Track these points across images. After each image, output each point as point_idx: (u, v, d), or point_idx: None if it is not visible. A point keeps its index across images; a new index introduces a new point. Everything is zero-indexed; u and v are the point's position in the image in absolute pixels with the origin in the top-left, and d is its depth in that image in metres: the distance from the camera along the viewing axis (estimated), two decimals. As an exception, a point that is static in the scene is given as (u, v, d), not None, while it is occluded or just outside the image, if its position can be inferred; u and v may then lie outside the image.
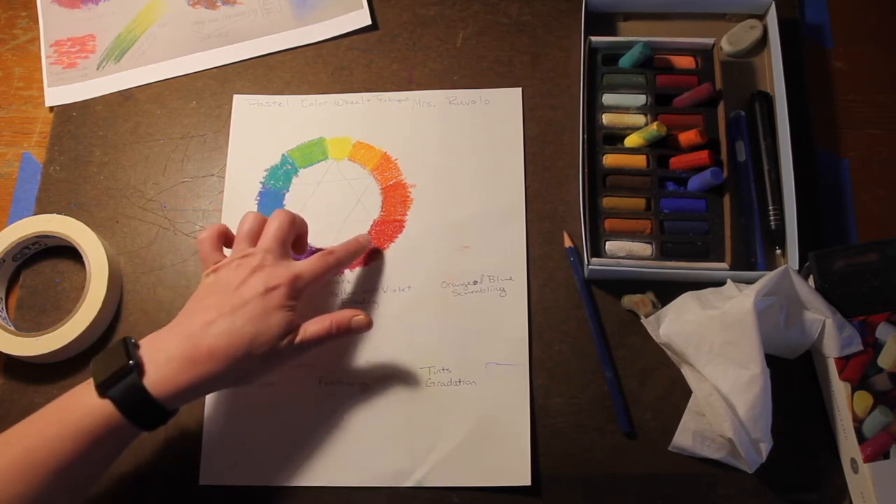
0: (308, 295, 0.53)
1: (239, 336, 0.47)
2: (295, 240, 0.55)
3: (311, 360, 0.58)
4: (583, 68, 0.62)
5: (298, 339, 0.50)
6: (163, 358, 0.46)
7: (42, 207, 0.63)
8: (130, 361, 0.46)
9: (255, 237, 0.53)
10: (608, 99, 0.62)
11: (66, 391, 0.47)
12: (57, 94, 0.67)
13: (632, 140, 0.60)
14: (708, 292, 0.56)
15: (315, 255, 0.54)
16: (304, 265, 0.52)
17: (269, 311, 0.49)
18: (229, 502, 0.55)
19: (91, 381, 0.46)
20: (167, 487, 0.55)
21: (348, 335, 0.53)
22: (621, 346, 0.58)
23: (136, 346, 0.48)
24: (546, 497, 0.54)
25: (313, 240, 0.61)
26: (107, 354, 0.47)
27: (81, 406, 0.45)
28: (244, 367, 0.48)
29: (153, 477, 0.55)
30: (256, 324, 0.48)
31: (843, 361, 0.53)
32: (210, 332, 0.47)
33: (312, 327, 0.51)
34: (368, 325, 0.53)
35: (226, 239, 0.54)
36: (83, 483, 0.47)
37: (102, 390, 0.45)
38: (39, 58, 0.68)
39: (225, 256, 0.53)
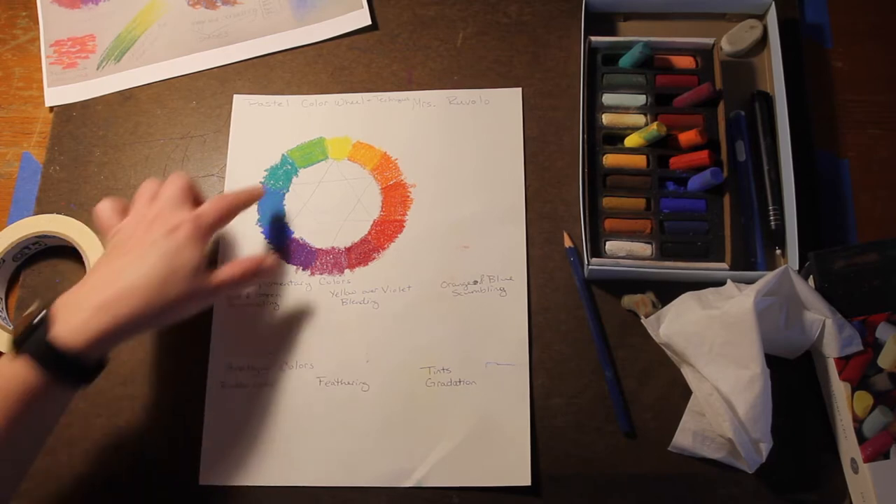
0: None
1: (152, 273, 0.48)
2: (194, 205, 0.55)
3: (311, 360, 0.58)
4: (583, 68, 0.62)
5: (214, 281, 0.51)
6: (74, 309, 0.46)
7: (42, 207, 0.63)
8: (36, 319, 0.46)
9: (153, 198, 0.54)
10: (608, 99, 0.62)
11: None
12: (57, 94, 0.67)
13: (632, 140, 0.60)
14: (708, 292, 0.56)
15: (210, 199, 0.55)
16: (203, 207, 0.53)
17: (179, 248, 0.49)
18: (229, 502, 0.55)
19: None
20: (167, 487, 0.55)
21: (260, 278, 0.55)
22: (621, 346, 0.58)
23: (50, 303, 0.47)
24: (546, 497, 0.54)
25: (313, 239, 0.61)
26: (24, 316, 0.47)
27: (2, 369, 0.45)
28: (161, 306, 0.48)
29: (153, 477, 0.55)
30: (168, 260, 0.48)
31: (843, 361, 0.53)
32: (122, 276, 0.47)
33: (225, 270, 0.52)
34: (274, 269, 0.56)
35: (125, 209, 0.54)
36: (23, 448, 0.47)
37: (16, 349, 0.45)
38: (39, 58, 0.68)
39: None
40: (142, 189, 0.55)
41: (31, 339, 0.45)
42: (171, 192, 0.53)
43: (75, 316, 0.46)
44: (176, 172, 0.55)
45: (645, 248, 0.58)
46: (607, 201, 0.59)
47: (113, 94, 0.67)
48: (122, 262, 0.48)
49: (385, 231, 0.61)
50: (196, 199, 0.55)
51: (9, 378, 0.45)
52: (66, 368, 0.45)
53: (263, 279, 0.58)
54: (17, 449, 0.46)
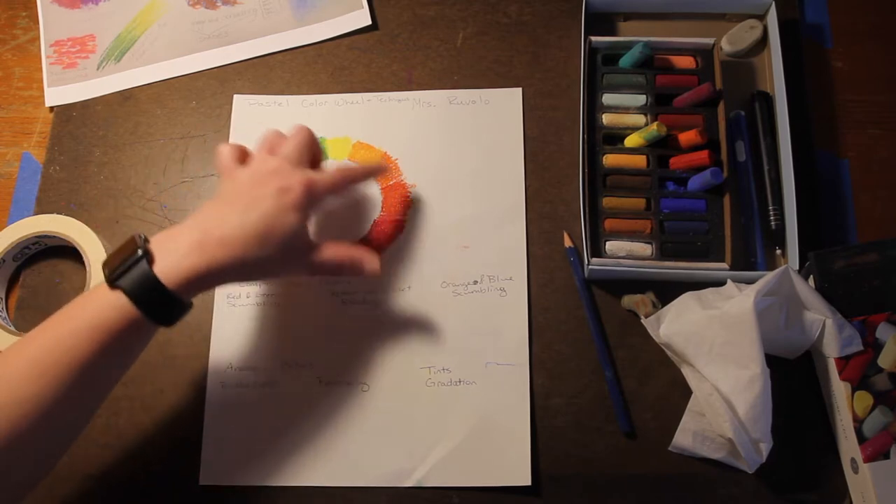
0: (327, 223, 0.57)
1: (251, 228, 0.47)
2: (312, 163, 0.55)
3: (311, 360, 0.58)
4: (583, 68, 0.62)
5: (314, 257, 0.51)
6: (173, 246, 0.46)
7: (42, 207, 0.63)
8: (139, 250, 0.45)
9: (275, 150, 0.54)
10: (608, 99, 0.62)
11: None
12: (57, 94, 0.67)
13: (632, 140, 0.60)
14: (708, 292, 0.56)
15: (331, 169, 0.54)
16: (320, 174, 0.52)
17: (283, 210, 0.49)
18: (229, 502, 0.55)
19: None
20: (167, 487, 0.55)
21: (358, 276, 0.54)
22: (621, 346, 0.58)
23: (146, 240, 0.47)
24: (546, 497, 0.54)
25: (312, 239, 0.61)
26: (118, 250, 0.47)
27: (95, 301, 0.45)
28: (253, 261, 0.48)
29: (153, 477, 0.55)
30: (269, 220, 0.48)
31: (843, 361, 0.53)
32: (223, 223, 0.47)
33: (330, 252, 0.52)
34: (377, 274, 0.53)
35: (246, 156, 0.54)
36: (100, 385, 0.46)
37: (113, 281, 0.45)
38: (39, 58, 0.68)
39: None
40: (264, 138, 0.55)
41: (130, 274, 0.45)
42: (291, 148, 0.53)
43: (173, 253, 0.46)
44: (300, 124, 0.55)
45: (645, 248, 0.58)
46: (607, 201, 0.59)
47: (113, 94, 0.67)
48: (227, 210, 0.48)
49: (385, 231, 0.61)
50: (315, 157, 0.56)
51: (99, 308, 0.44)
52: (159, 305, 0.45)
53: (359, 278, 0.56)
54: (94, 382, 0.45)
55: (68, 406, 0.44)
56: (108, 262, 0.46)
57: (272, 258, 0.48)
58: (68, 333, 0.44)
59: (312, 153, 0.55)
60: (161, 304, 0.45)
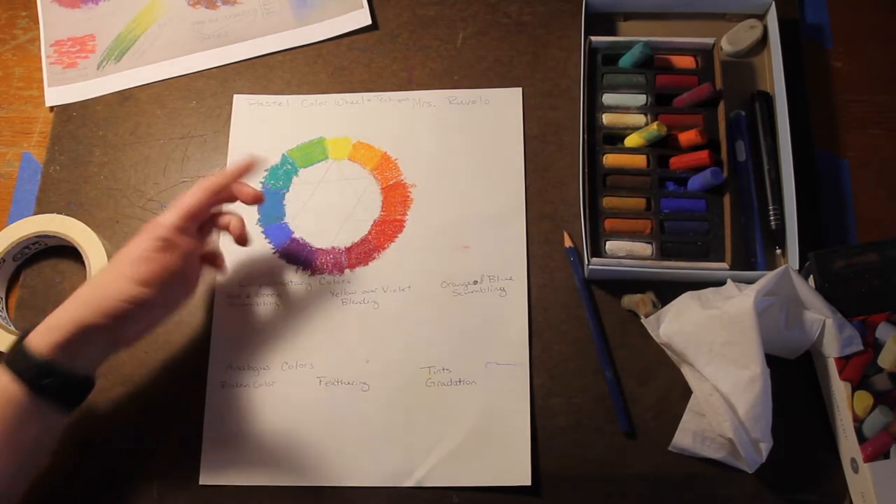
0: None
1: (96, 278, 0.49)
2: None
3: (311, 360, 0.58)
4: (583, 68, 0.62)
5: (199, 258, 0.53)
6: (51, 316, 0.47)
7: (42, 207, 0.63)
8: (22, 332, 0.46)
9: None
10: (608, 99, 0.62)
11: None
12: (57, 94, 0.67)
13: (632, 140, 0.60)
14: (708, 292, 0.56)
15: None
16: (164, 213, 0.51)
17: (125, 253, 0.49)
18: (229, 502, 0.55)
19: None
20: (167, 487, 0.55)
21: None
22: (621, 346, 0.58)
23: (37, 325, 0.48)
24: (546, 497, 0.54)
25: (313, 239, 0.61)
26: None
27: None
28: (99, 308, 0.47)
29: (153, 477, 0.55)
30: (110, 266, 0.49)
31: (843, 361, 0.53)
32: (92, 283, 0.49)
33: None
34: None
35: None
36: (9, 481, 0.46)
37: (3, 363, 0.46)
38: (39, 58, 0.68)
39: None
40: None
41: (11, 349, 0.46)
42: (176, 205, 0.51)
43: (46, 322, 0.46)
44: (194, 188, 0.52)
45: (645, 248, 0.58)
46: (607, 201, 0.59)
47: (113, 94, 0.67)
48: (105, 277, 0.49)
49: (385, 231, 0.61)
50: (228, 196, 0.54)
51: None
52: (39, 376, 0.45)
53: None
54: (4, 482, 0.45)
55: None
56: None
57: (114, 299, 0.47)
58: None
59: (210, 201, 0.52)
60: (40, 374, 0.45)
